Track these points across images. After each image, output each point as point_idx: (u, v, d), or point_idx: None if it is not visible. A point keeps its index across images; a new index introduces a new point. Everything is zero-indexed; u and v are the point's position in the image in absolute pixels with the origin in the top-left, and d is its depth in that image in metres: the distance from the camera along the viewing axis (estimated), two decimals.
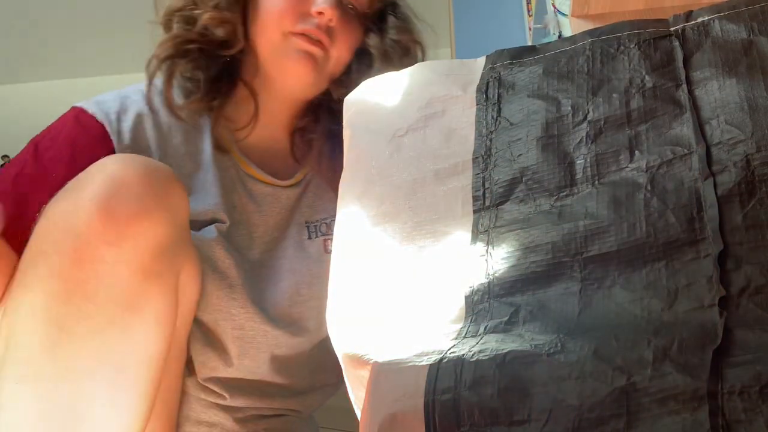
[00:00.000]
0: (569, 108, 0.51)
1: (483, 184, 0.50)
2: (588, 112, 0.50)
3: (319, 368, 0.79)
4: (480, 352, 0.39)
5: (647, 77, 0.49)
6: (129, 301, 0.54)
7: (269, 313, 0.75)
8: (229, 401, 0.74)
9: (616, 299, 0.41)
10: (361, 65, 0.79)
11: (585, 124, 0.49)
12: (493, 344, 0.40)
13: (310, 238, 0.81)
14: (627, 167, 0.46)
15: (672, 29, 0.51)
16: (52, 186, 0.57)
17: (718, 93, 0.46)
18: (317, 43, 0.74)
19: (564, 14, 1.07)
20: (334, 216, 0.56)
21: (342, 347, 0.48)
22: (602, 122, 0.49)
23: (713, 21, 0.50)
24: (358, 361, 0.45)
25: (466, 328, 0.44)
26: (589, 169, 0.47)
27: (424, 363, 0.40)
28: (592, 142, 0.48)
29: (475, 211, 0.50)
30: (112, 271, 0.53)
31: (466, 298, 0.45)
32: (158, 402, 0.62)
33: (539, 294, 0.43)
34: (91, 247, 0.52)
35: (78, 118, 0.72)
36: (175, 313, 0.60)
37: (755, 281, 0.38)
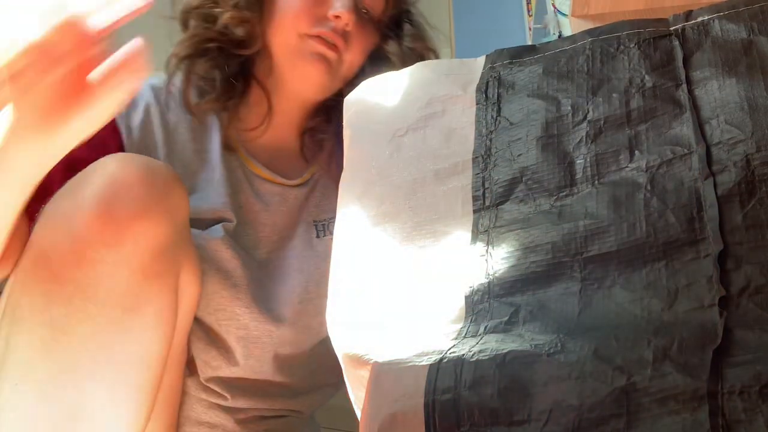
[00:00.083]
0: (569, 108, 0.51)
1: (483, 184, 0.50)
2: (588, 111, 0.50)
3: (320, 368, 0.79)
4: (480, 352, 0.39)
5: (647, 77, 0.49)
6: (129, 302, 0.54)
7: (275, 311, 0.75)
8: (231, 402, 0.74)
9: (616, 299, 0.41)
10: (373, 68, 0.79)
11: (585, 124, 0.49)
12: (493, 344, 0.40)
13: (318, 236, 0.81)
14: (627, 167, 0.46)
15: (672, 29, 0.51)
16: (69, 159, 0.54)
17: (718, 93, 0.46)
18: (332, 47, 0.74)
19: (564, 14, 1.08)
20: None
21: (342, 347, 0.48)
22: (602, 122, 0.49)
23: (713, 21, 0.50)
24: (358, 361, 0.45)
25: (466, 328, 0.44)
26: (589, 168, 0.47)
27: (424, 363, 0.40)
28: (592, 142, 0.48)
29: (475, 211, 0.50)
30: (112, 272, 0.53)
31: (466, 298, 0.45)
32: (159, 402, 0.62)
33: (539, 294, 0.43)
34: (91, 249, 0.52)
35: None
36: (176, 314, 0.60)
37: (755, 281, 0.38)
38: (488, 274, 0.46)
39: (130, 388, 0.56)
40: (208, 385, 0.73)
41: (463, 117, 0.55)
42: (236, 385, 0.74)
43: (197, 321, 0.72)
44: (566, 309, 0.42)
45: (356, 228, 0.54)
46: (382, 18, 0.80)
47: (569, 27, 0.85)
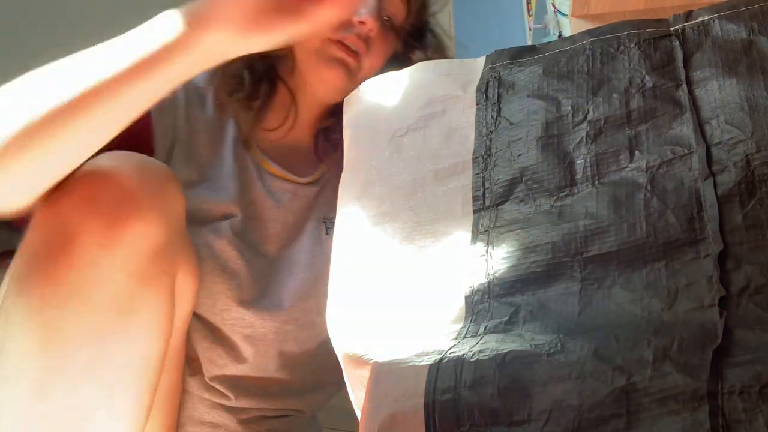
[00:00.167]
0: (569, 108, 0.51)
1: (483, 184, 0.50)
2: (588, 111, 0.50)
3: (322, 367, 0.79)
4: (480, 352, 0.39)
5: (647, 77, 0.49)
6: (125, 304, 0.54)
7: (281, 307, 0.75)
8: (234, 402, 0.74)
9: (616, 299, 0.41)
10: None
11: (585, 124, 0.49)
12: (493, 344, 0.40)
13: (327, 233, 0.81)
14: (627, 167, 0.46)
15: (672, 29, 0.51)
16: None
17: (718, 93, 0.46)
18: (353, 53, 0.75)
19: (564, 14, 1.07)
20: None
21: (342, 347, 0.48)
22: (602, 122, 0.49)
23: (713, 21, 0.50)
24: (358, 361, 0.45)
25: (466, 328, 0.44)
26: (589, 169, 0.47)
27: (424, 363, 0.40)
28: (592, 142, 0.48)
29: (475, 211, 0.50)
30: (106, 274, 0.52)
31: (466, 298, 0.45)
32: (157, 402, 0.62)
33: (539, 294, 0.43)
34: (85, 251, 0.51)
35: None
36: (173, 314, 0.60)
37: (755, 281, 0.38)
38: (488, 274, 0.46)
39: (127, 389, 0.56)
40: (212, 384, 0.73)
41: (463, 117, 0.55)
42: (240, 385, 0.74)
43: (202, 320, 0.72)
44: (566, 309, 0.42)
45: (356, 228, 0.53)
46: (403, 26, 0.82)
47: (569, 27, 0.85)
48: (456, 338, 0.43)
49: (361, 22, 0.75)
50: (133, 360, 0.56)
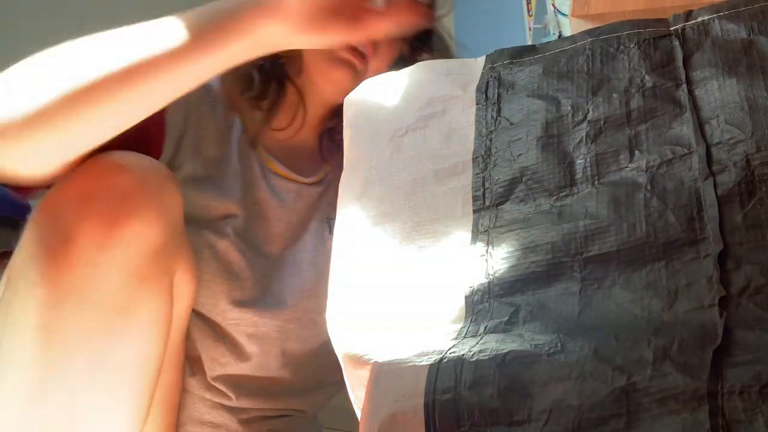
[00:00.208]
0: (569, 108, 0.51)
1: (483, 184, 0.50)
2: (588, 111, 0.50)
3: (323, 367, 0.80)
4: (480, 352, 0.39)
5: (647, 77, 0.49)
6: (123, 305, 0.54)
7: (283, 306, 0.75)
8: (235, 402, 0.74)
9: (616, 299, 0.41)
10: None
11: (585, 124, 0.49)
12: (493, 344, 0.40)
13: (330, 233, 0.81)
14: (627, 167, 0.46)
15: (672, 29, 0.51)
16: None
17: (718, 93, 0.46)
18: (361, 55, 0.75)
19: (564, 14, 1.07)
20: None
21: (342, 347, 0.48)
22: (602, 122, 0.49)
23: (713, 21, 0.49)
24: (358, 361, 0.45)
25: (466, 328, 0.44)
26: (589, 168, 0.47)
27: (424, 363, 0.40)
28: (592, 142, 0.48)
29: (475, 211, 0.50)
30: (104, 275, 0.52)
31: (466, 298, 0.45)
32: (157, 402, 0.62)
33: (539, 294, 0.43)
34: (82, 251, 0.51)
35: None
36: (171, 314, 0.60)
37: (755, 281, 0.38)
38: (488, 274, 0.46)
39: (125, 389, 0.56)
40: (213, 384, 0.73)
41: (463, 117, 0.55)
42: (242, 384, 0.74)
43: (205, 320, 0.72)
44: (566, 309, 0.42)
45: (356, 228, 0.53)
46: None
47: (569, 27, 0.85)
48: (456, 338, 0.43)
49: None
50: (132, 360, 0.56)
